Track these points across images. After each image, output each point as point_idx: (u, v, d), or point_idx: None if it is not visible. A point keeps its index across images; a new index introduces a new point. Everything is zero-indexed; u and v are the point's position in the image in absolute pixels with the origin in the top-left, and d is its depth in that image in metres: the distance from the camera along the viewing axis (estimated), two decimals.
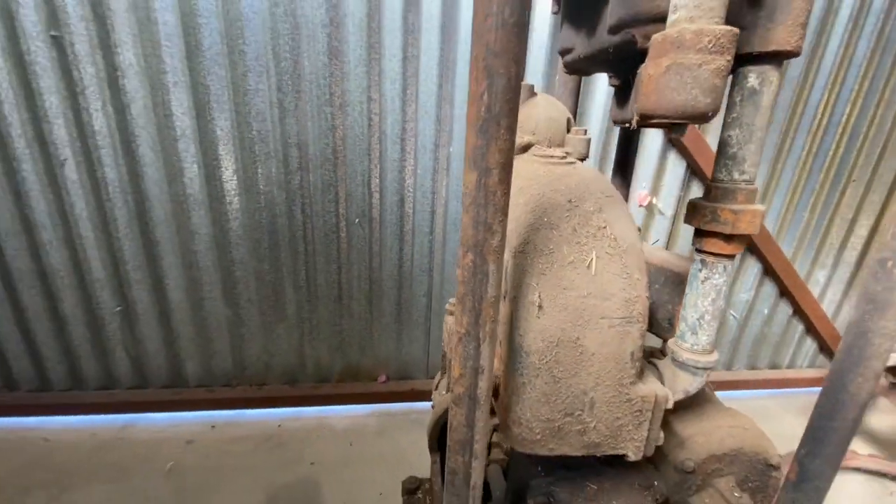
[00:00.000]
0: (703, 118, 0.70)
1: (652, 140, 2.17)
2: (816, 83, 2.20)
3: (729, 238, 0.88)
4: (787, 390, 2.84)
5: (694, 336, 0.96)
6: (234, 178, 1.93)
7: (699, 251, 0.95)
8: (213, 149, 1.88)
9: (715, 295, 0.93)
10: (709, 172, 2.27)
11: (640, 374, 0.84)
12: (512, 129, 0.63)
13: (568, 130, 1.12)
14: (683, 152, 2.20)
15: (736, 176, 0.87)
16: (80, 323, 2.10)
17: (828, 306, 2.75)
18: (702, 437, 1.08)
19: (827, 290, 2.73)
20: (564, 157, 1.02)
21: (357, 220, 2.08)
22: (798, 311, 2.67)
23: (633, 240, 0.81)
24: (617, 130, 1.58)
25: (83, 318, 2.09)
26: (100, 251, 1.98)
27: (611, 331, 0.78)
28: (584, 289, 0.77)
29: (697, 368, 0.96)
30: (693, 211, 0.93)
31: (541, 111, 1.06)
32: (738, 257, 0.90)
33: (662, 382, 0.99)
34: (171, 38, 1.71)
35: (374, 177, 2.03)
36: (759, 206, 0.86)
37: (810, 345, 2.84)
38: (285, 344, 2.27)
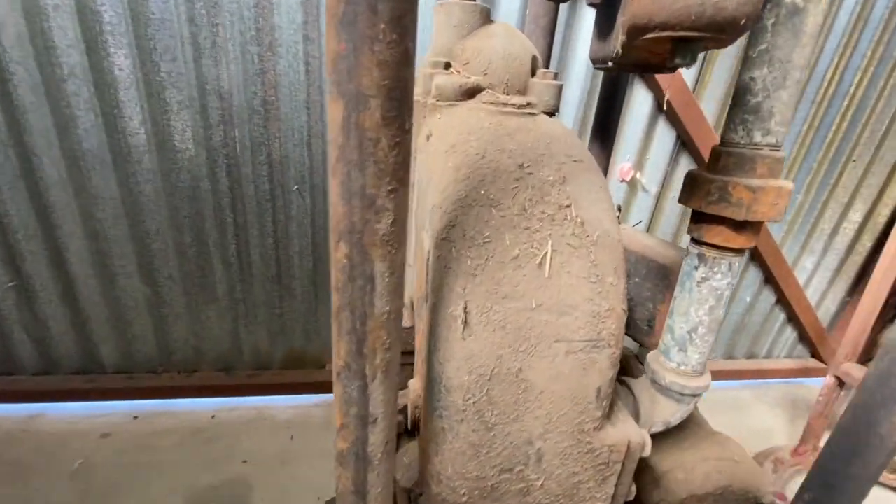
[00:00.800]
0: (732, 28, 0.44)
1: (640, 103, 1.89)
2: (827, 46, 1.94)
3: (741, 226, 0.63)
4: (763, 381, 2.72)
5: (682, 353, 0.72)
6: (142, 130, 1.59)
7: (697, 242, 0.70)
8: (112, 93, 1.53)
9: (714, 302, 0.69)
10: (702, 144, 2.00)
11: (608, 415, 0.60)
12: (404, 26, 0.35)
13: (533, 74, 0.83)
14: (674, 119, 1.94)
15: (758, 137, 0.61)
16: None
17: (812, 294, 2.60)
18: (682, 473, 0.86)
19: (813, 277, 2.57)
20: (524, 107, 0.75)
21: (296, 188, 1.78)
22: (781, 300, 2.51)
23: (609, 226, 0.56)
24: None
25: None
26: None
27: (569, 359, 0.53)
28: (531, 298, 0.52)
29: (683, 395, 0.73)
30: (692, 186, 0.67)
31: (496, 44, 0.78)
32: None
33: (636, 411, 0.76)
34: None
35: (316, 135, 1.71)
36: (786, 183, 0.61)
37: (790, 334, 2.71)
38: (217, 327, 1.99)
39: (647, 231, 2.24)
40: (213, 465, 1.84)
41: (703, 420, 1.05)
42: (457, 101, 0.75)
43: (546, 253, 0.52)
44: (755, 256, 2.34)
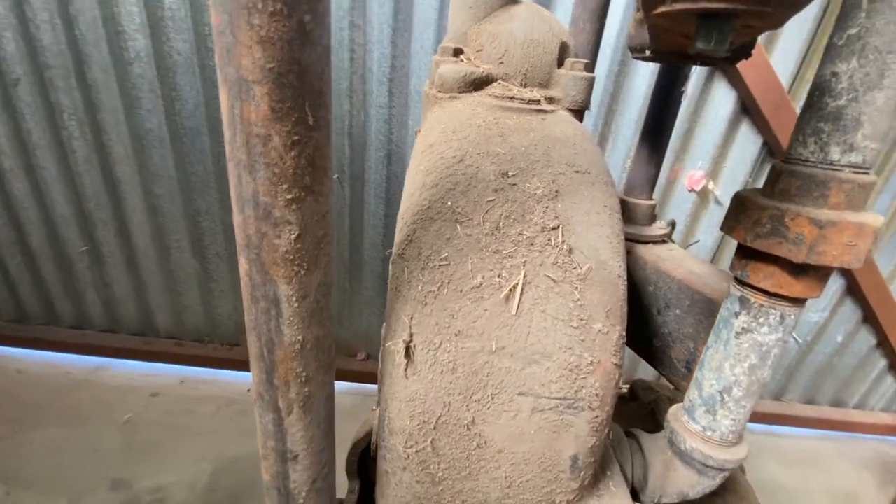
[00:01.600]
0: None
1: (720, 101, 1.64)
2: None
3: (800, 269, 0.48)
4: (850, 434, 2.32)
5: (709, 416, 0.58)
6: (196, 113, 1.66)
7: (741, 283, 0.55)
8: (171, 76, 1.60)
9: (757, 360, 0.54)
10: None
11: (593, 484, 0.48)
12: None
13: (561, 64, 0.71)
14: (760, 123, 1.66)
15: (835, 154, 0.45)
16: (48, 259, 1.98)
17: None
18: None
19: None
20: (536, 102, 0.63)
21: (336, 177, 1.77)
22: (883, 344, 2.10)
23: (607, 256, 0.44)
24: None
25: (51, 255, 1.98)
26: (61, 185, 1.81)
27: (535, 418, 0.43)
28: (492, 339, 0.42)
29: (707, 467, 0.59)
30: (738, 211, 0.52)
31: (516, 28, 0.67)
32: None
33: (644, 475, 0.62)
34: None
35: (357, 125, 1.68)
36: (871, 217, 0.45)
37: (891, 385, 2.27)
38: None
39: (716, 253, 1.97)
40: (241, 437, 1.92)
41: (745, 482, 0.88)
42: (460, 92, 0.65)
43: (516, 285, 0.42)
44: (853, 289, 1.97)
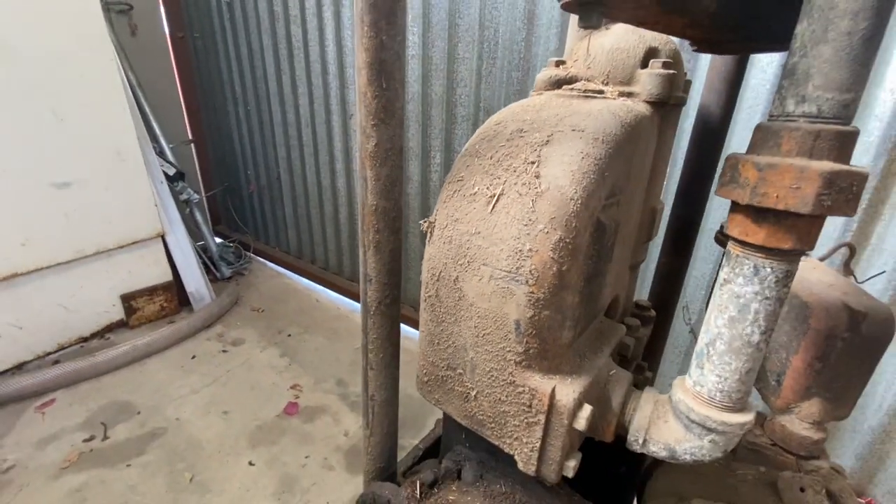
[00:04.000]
0: None
1: None
2: None
3: (761, 217, 0.53)
4: None
5: (699, 371, 0.65)
6: (440, 136, 2.30)
7: (723, 234, 0.59)
8: (428, 110, 2.29)
9: (735, 312, 0.59)
10: None
11: (540, 359, 0.64)
12: (392, 23, 0.62)
13: (645, 65, 0.84)
14: None
15: (791, 106, 0.52)
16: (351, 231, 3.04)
17: None
18: None
19: None
20: (600, 92, 0.81)
21: None
22: None
23: (563, 183, 0.63)
24: None
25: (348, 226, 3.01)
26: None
27: (492, 283, 0.65)
28: (474, 225, 0.67)
29: (691, 422, 0.64)
30: (724, 168, 0.59)
31: (606, 40, 0.86)
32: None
33: (621, 408, 0.69)
34: (415, 19, 2.17)
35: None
36: (818, 163, 0.48)
37: None
38: None
39: None
40: None
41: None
42: (545, 90, 0.88)
43: (495, 194, 0.66)
44: None
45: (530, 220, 0.62)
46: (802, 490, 0.75)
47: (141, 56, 3.21)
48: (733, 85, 1.04)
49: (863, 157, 1.36)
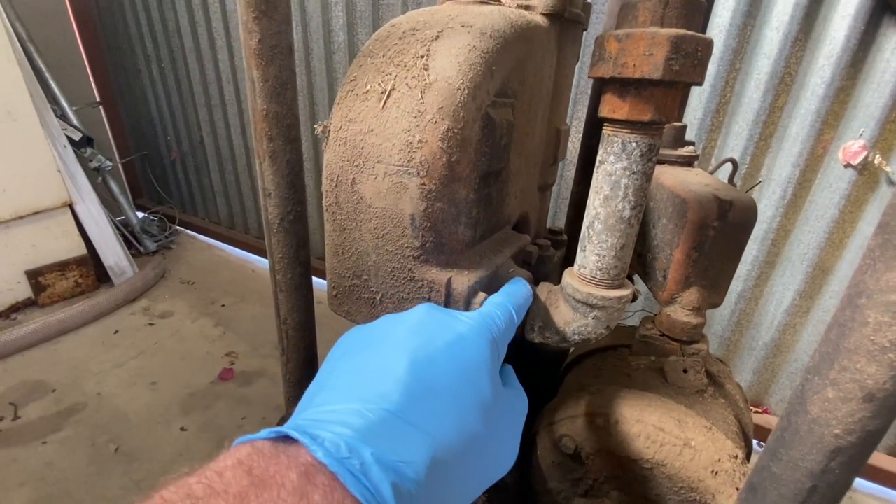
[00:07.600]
0: None
1: (893, 49, 1.31)
2: None
3: (624, 89, 0.56)
4: None
5: (582, 254, 0.68)
6: None
7: (599, 118, 0.63)
8: None
9: (609, 190, 0.63)
10: None
11: (438, 253, 0.66)
12: None
13: None
14: None
15: None
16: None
17: None
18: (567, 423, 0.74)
19: None
20: (497, 2, 0.81)
21: None
22: None
23: (451, 73, 0.63)
24: None
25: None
26: None
27: (386, 180, 0.65)
28: (367, 123, 0.66)
29: (578, 302, 0.68)
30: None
31: None
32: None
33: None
34: None
35: None
36: (666, 30, 0.51)
37: None
38: None
39: None
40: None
41: (728, 384, 0.82)
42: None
43: (388, 90, 0.65)
44: None
45: (419, 111, 0.62)
46: (685, 371, 0.83)
47: (31, 9, 2.83)
48: None
49: (754, 92, 1.48)
